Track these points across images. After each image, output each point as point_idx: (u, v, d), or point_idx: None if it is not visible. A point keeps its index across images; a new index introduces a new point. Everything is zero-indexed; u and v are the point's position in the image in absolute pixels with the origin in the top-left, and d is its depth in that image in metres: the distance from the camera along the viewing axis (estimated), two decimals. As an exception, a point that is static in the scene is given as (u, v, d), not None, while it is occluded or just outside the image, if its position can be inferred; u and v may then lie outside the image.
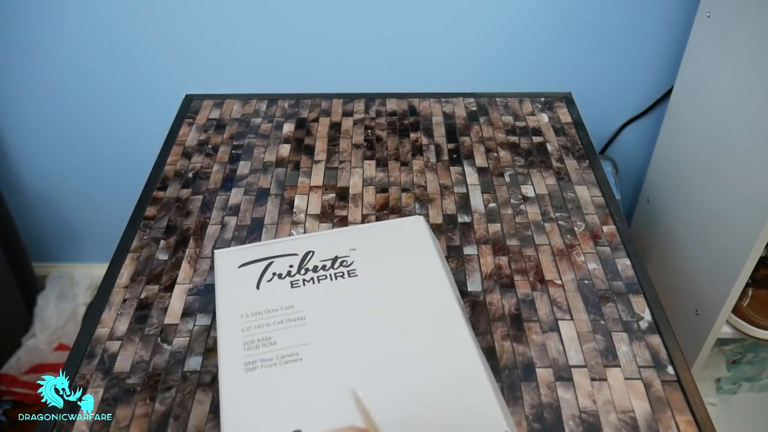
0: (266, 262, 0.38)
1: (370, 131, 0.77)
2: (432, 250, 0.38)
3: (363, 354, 0.33)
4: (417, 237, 0.40)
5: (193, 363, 0.51)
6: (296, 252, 0.38)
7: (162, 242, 0.63)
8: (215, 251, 0.39)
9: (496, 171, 0.71)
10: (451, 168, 0.71)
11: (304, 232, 0.63)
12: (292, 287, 0.36)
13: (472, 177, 0.70)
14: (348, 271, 0.37)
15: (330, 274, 0.37)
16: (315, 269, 0.37)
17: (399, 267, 0.38)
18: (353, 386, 0.32)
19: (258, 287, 0.37)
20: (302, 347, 0.33)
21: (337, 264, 0.37)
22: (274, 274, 0.37)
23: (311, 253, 0.38)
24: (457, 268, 0.59)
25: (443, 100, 0.83)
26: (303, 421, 0.30)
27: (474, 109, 0.81)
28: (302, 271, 0.37)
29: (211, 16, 1.00)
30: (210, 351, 0.52)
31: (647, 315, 0.55)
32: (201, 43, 1.03)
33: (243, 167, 0.72)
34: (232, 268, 0.38)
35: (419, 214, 0.38)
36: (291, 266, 0.37)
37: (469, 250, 0.61)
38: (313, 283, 0.36)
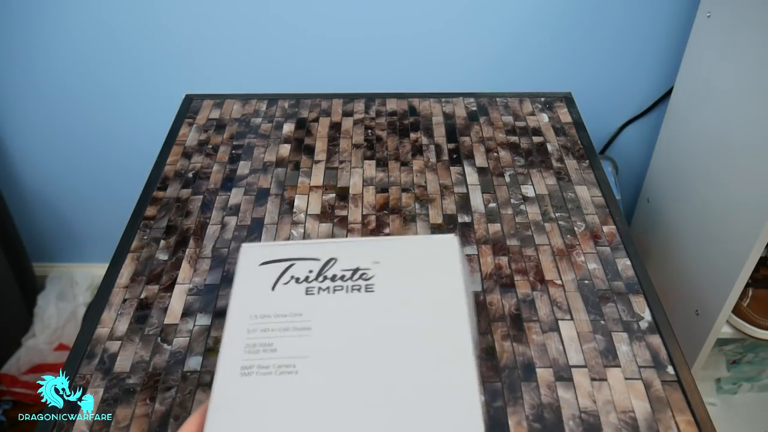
0: (288, 263, 0.37)
1: (370, 131, 0.77)
2: (458, 278, 0.37)
3: (357, 378, 0.32)
4: (445, 260, 0.38)
5: (193, 363, 0.51)
6: (319, 257, 0.37)
7: (162, 242, 0.63)
8: (243, 245, 0.38)
9: (496, 171, 0.71)
10: (451, 168, 0.71)
11: (304, 232, 0.63)
12: (306, 294, 0.35)
13: (472, 177, 0.70)
14: (365, 286, 0.36)
15: (347, 286, 0.36)
16: (333, 278, 0.36)
17: (418, 290, 0.36)
18: (340, 409, 0.31)
19: (273, 288, 0.36)
20: (300, 360, 0.32)
21: (356, 276, 0.36)
22: (292, 277, 0.36)
23: (333, 261, 0.37)
24: (457, 268, 0.59)
25: (443, 100, 0.83)
26: None
27: (474, 109, 0.81)
28: (320, 278, 0.36)
29: (211, 16, 1.00)
30: (210, 351, 0.52)
31: (647, 315, 0.55)
32: (201, 43, 1.02)
33: (243, 167, 0.72)
34: (254, 264, 0.37)
35: (454, 234, 0.37)
36: (310, 271, 0.36)
37: (469, 250, 0.61)
38: (328, 292, 0.35)
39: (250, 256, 0.38)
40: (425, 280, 0.37)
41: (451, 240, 0.39)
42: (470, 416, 0.31)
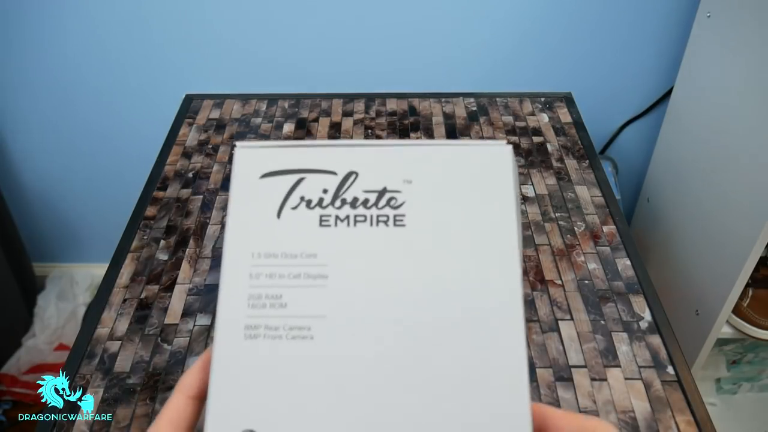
0: (297, 177, 0.29)
1: (370, 131, 0.77)
2: (510, 208, 0.29)
3: (383, 349, 0.26)
4: (495, 182, 0.29)
5: (194, 363, 0.51)
6: (336, 169, 0.29)
7: (162, 242, 0.63)
8: (237, 143, 0.30)
9: (496, 171, 0.71)
10: (451, 168, 0.71)
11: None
12: (320, 224, 0.28)
13: (472, 177, 0.70)
14: (395, 216, 0.28)
15: (371, 216, 0.28)
16: (354, 203, 0.29)
17: (459, 224, 0.29)
18: (364, 390, 0.26)
19: (279, 216, 0.29)
20: (316, 320, 0.27)
21: (382, 201, 0.29)
22: (302, 199, 0.29)
23: (354, 176, 0.29)
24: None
25: (443, 100, 0.83)
26: (294, 425, 0.26)
27: (474, 109, 0.81)
28: (337, 203, 0.29)
29: (211, 17, 1.00)
30: (210, 351, 0.52)
31: (647, 315, 0.55)
32: (201, 43, 1.02)
33: (243, 167, 0.72)
34: (253, 175, 0.30)
35: (506, 142, 0.29)
36: (325, 191, 0.29)
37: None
38: (348, 224, 0.28)
39: (248, 162, 0.30)
40: (468, 213, 0.29)
41: (503, 153, 0.30)
42: (516, 401, 0.26)
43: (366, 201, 0.29)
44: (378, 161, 0.30)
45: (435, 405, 0.26)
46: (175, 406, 0.26)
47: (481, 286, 0.28)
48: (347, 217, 0.29)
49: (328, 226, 0.28)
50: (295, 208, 0.29)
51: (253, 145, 0.30)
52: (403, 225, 0.28)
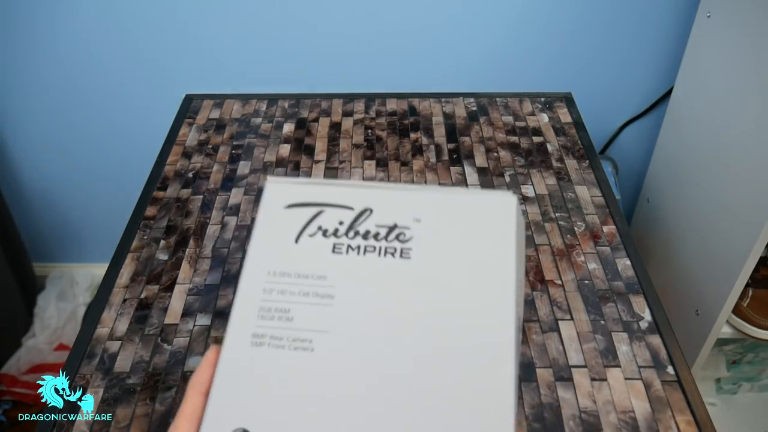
0: (317, 210, 0.32)
1: (370, 131, 0.77)
2: (510, 254, 0.32)
3: (377, 366, 0.28)
4: (498, 229, 0.32)
5: (193, 363, 0.51)
6: (353, 205, 0.32)
7: (162, 242, 0.63)
8: (269, 178, 0.33)
9: (496, 171, 0.71)
10: (451, 168, 0.71)
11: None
12: (333, 252, 0.31)
13: (472, 177, 0.70)
14: (402, 249, 0.31)
15: (380, 248, 0.31)
16: (366, 235, 0.31)
17: (462, 262, 0.31)
18: (355, 401, 0.28)
19: (297, 241, 0.31)
20: (318, 335, 0.29)
21: (392, 235, 0.31)
22: (319, 228, 0.32)
23: (369, 212, 0.32)
24: (457, 268, 0.59)
25: (443, 100, 0.83)
26: (285, 429, 0.27)
27: (474, 109, 0.81)
28: (350, 234, 0.31)
29: (211, 17, 1.00)
30: (210, 351, 0.52)
31: (647, 315, 0.55)
32: (201, 43, 1.02)
33: (243, 167, 0.72)
34: (279, 206, 0.33)
35: (512, 192, 0.32)
36: (341, 223, 0.32)
37: (469, 250, 0.61)
38: (358, 253, 0.31)
39: (276, 194, 0.33)
40: (470, 252, 0.31)
41: (508, 203, 0.33)
42: (501, 427, 0.28)
43: (377, 234, 0.31)
44: (392, 201, 0.33)
45: (421, 425, 0.27)
46: (191, 402, 0.28)
47: (475, 322, 0.29)
48: (358, 246, 0.31)
49: (340, 253, 0.31)
50: (312, 235, 0.32)
51: (282, 180, 0.34)
52: (409, 258, 0.31)
